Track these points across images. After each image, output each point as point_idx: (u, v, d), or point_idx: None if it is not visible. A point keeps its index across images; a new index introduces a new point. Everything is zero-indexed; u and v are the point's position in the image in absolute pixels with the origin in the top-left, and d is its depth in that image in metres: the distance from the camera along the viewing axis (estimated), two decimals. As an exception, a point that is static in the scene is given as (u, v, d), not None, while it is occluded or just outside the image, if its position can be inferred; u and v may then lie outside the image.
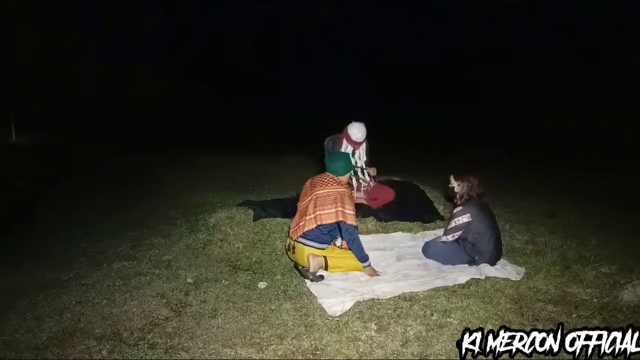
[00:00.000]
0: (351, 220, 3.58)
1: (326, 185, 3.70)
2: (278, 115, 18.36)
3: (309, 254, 3.64)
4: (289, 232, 3.91)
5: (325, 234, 3.66)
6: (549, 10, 20.57)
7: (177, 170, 8.34)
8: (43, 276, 4.00)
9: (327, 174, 3.82)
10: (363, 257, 3.68)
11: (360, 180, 4.81)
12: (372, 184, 4.87)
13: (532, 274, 3.67)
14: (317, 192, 3.68)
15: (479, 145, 11.62)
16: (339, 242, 3.94)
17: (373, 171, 4.73)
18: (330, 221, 3.56)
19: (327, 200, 3.60)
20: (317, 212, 3.58)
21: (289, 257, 3.93)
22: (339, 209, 3.56)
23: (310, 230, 3.60)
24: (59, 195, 7.84)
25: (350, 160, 4.04)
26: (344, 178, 3.85)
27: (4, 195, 7.67)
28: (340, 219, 3.55)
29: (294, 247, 3.73)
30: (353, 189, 4.73)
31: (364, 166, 4.76)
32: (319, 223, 3.57)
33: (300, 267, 3.71)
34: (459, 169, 3.97)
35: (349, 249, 3.75)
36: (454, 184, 3.94)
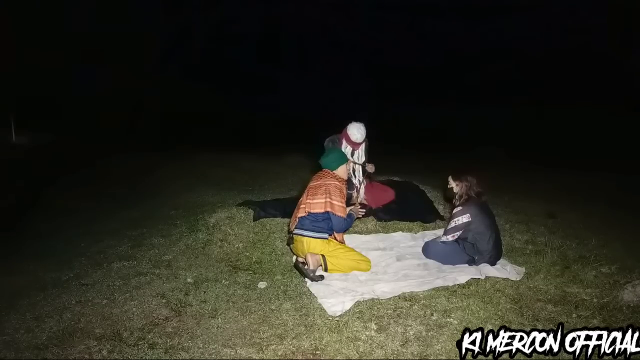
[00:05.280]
0: (339, 211, 3.73)
1: (320, 178, 3.89)
2: (278, 115, 18.36)
3: (308, 252, 3.67)
4: (288, 226, 4.01)
5: (320, 221, 3.72)
6: (549, 10, 20.56)
7: (177, 170, 8.33)
8: (43, 276, 4.00)
9: (325, 169, 3.96)
10: (353, 218, 3.98)
11: (355, 181, 4.77)
12: (363, 182, 4.80)
13: (532, 274, 3.67)
14: (312, 184, 3.88)
15: (479, 145, 11.62)
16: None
17: (371, 168, 4.72)
18: (319, 210, 3.71)
19: (318, 191, 3.78)
20: (308, 201, 3.77)
21: (290, 249, 4.02)
22: (328, 199, 3.73)
23: (303, 217, 3.74)
24: (59, 195, 7.84)
25: (342, 154, 4.12)
26: (340, 173, 3.95)
27: (4, 195, 7.67)
28: (328, 209, 3.70)
29: (293, 239, 3.85)
30: (353, 189, 4.72)
31: (364, 164, 4.75)
32: (308, 210, 3.73)
33: (300, 265, 3.73)
34: (456, 170, 3.98)
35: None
36: (453, 184, 3.95)
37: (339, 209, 3.73)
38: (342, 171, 3.97)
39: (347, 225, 3.89)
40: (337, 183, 3.85)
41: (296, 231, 3.77)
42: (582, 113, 14.64)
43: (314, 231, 3.70)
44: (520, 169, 9.31)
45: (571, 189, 7.26)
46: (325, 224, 3.73)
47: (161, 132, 14.79)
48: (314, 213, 3.71)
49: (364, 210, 4.36)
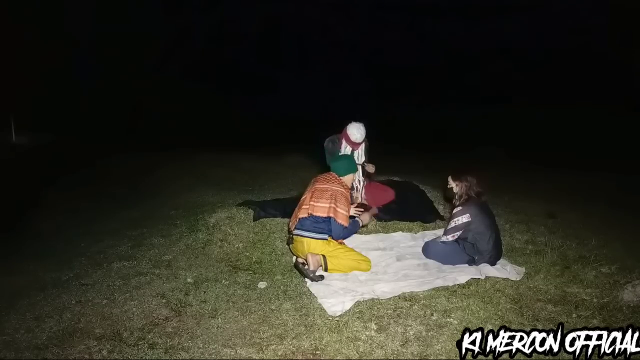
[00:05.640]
0: (342, 219, 3.69)
1: (327, 182, 3.85)
2: (278, 115, 18.37)
3: (308, 252, 3.67)
4: (288, 226, 3.99)
5: (321, 222, 3.70)
6: (549, 10, 20.57)
7: (177, 170, 8.33)
8: (43, 276, 4.00)
9: (332, 173, 3.95)
10: (356, 227, 3.92)
11: (355, 181, 4.76)
12: (362, 182, 4.81)
13: (532, 274, 3.67)
14: (317, 186, 3.83)
15: (479, 145, 11.63)
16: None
17: (371, 168, 4.71)
18: (321, 214, 3.68)
19: (323, 195, 3.74)
20: (312, 203, 3.73)
21: (290, 250, 4.00)
22: (332, 205, 3.69)
23: (304, 218, 3.71)
24: (59, 195, 7.84)
25: (352, 163, 4.11)
26: (347, 180, 3.96)
27: (4, 195, 7.67)
28: (331, 214, 3.67)
29: (292, 239, 3.82)
30: (353, 189, 4.72)
31: (364, 164, 4.75)
32: (311, 212, 3.70)
33: (300, 265, 3.73)
34: (456, 170, 3.98)
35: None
36: (452, 184, 3.95)
37: (342, 216, 3.70)
38: (348, 179, 3.98)
39: (347, 233, 3.83)
40: (344, 190, 3.83)
41: (296, 232, 3.76)
42: (582, 113, 14.65)
43: (314, 232, 3.69)
44: (520, 169, 9.32)
45: (571, 189, 7.26)
46: (326, 225, 3.72)
47: (161, 132, 14.79)
48: (315, 215, 3.69)
49: (362, 210, 4.35)
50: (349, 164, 4.02)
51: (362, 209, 4.27)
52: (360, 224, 4.02)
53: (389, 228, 4.69)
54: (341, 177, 3.91)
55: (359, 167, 4.71)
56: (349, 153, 4.63)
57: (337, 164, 3.99)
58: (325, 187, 3.79)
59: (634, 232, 4.87)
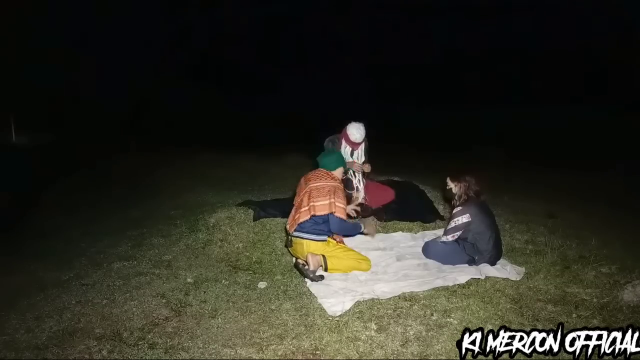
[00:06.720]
0: (340, 213, 3.68)
1: (320, 179, 3.81)
2: (278, 115, 18.36)
3: (308, 253, 3.66)
4: (286, 228, 3.96)
5: (321, 224, 3.69)
6: (549, 10, 20.58)
7: (177, 170, 8.34)
8: (43, 276, 4.01)
9: (320, 169, 3.92)
10: (357, 229, 3.91)
11: (355, 181, 4.75)
12: (362, 182, 4.80)
13: (532, 274, 3.67)
14: (312, 185, 3.78)
15: (479, 145, 11.62)
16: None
17: (367, 167, 4.70)
18: (323, 212, 3.65)
19: (321, 192, 3.71)
20: (312, 203, 3.68)
21: (289, 252, 3.98)
22: (332, 200, 3.67)
23: (305, 221, 3.67)
24: (59, 195, 7.85)
25: (340, 156, 4.10)
26: (337, 173, 3.92)
27: (4, 195, 7.67)
28: (333, 210, 3.65)
29: (291, 242, 3.79)
30: (353, 189, 4.72)
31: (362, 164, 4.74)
32: (312, 213, 3.65)
33: (300, 265, 3.72)
34: (454, 170, 3.98)
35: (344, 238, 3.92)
36: (451, 185, 3.95)
37: (340, 210, 3.69)
38: (339, 172, 3.95)
39: (346, 228, 3.82)
40: (339, 184, 3.83)
41: (295, 233, 3.73)
42: (582, 113, 14.66)
43: (314, 234, 3.68)
44: (520, 169, 9.32)
45: (571, 189, 7.26)
46: (326, 227, 3.71)
47: (161, 132, 14.79)
48: (317, 216, 3.66)
49: (359, 208, 4.34)
50: (338, 158, 4.01)
51: (359, 208, 4.26)
52: (362, 229, 3.99)
53: (389, 228, 4.69)
54: (332, 172, 3.88)
55: (359, 168, 4.70)
56: (349, 153, 4.63)
57: (327, 159, 3.96)
58: (321, 185, 3.76)
59: (634, 232, 4.87)
